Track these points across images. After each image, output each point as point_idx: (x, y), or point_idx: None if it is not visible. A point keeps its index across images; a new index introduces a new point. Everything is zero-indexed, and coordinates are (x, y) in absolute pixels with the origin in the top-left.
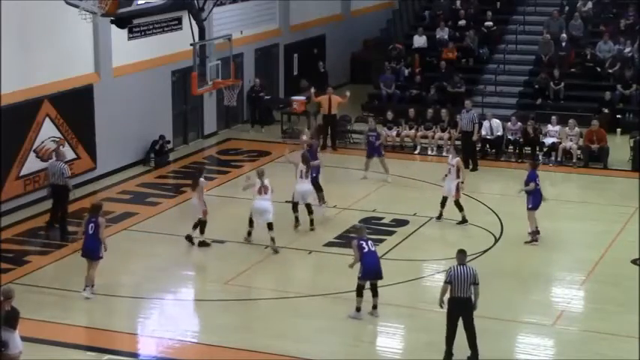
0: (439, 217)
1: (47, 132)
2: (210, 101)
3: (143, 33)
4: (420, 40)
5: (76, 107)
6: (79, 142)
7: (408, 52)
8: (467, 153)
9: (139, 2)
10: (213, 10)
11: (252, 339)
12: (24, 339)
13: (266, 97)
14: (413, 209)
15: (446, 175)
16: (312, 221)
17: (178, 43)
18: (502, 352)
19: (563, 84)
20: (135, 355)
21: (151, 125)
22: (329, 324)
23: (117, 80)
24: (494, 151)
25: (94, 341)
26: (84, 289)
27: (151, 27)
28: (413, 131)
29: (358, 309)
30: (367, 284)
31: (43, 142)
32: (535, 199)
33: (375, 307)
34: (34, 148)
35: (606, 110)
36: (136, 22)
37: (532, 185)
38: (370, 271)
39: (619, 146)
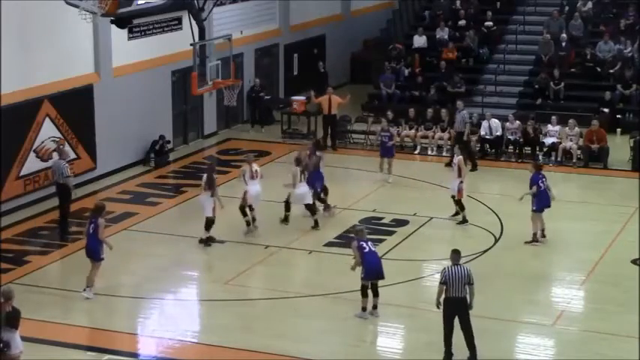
0: (456, 215)
1: (47, 132)
2: (210, 101)
3: (143, 33)
4: (420, 40)
5: (76, 107)
6: (79, 142)
7: (408, 52)
8: (464, 153)
9: (139, 2)
10: (213, 10)
11: (252, 339)
12: (24, 339)
13: (266, 97)
14: (413, 209)
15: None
16: (316, 222)
17: (178, 43)
18: (502, 352)
19: (563, 84)
20: (135, 355)
21: (151, 125)
22: (329, 324)
23: (117, 80)
24: (494, 151)
25: (94, 341)
26: (84, 290)
27: (151, 27)
28: (413, 131)
29: (364, 309)
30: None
31: (43, 142)
32: (540, 201)
33: (375, 306)
34: (34, 148)
35: (606, 110)
36: (136, 22)
37: (534, 189)
38: (373, 271)
39: (619, 146)
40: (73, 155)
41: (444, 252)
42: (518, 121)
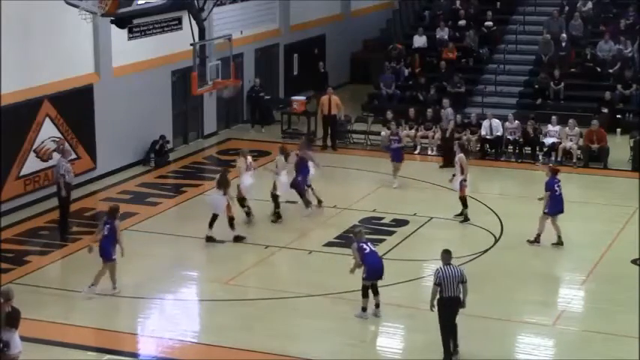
0: (461, 214)
1: (47, 132)
2: (210, 101)
3: (143, 33)
4: (420, 40)
5: (76, 107)
6: (79, 142)
7: (408, 52)
8: (446, 151)
9: (139, 2)
10: (213, 10)
11: (252, 339)
12: (24, 339)
13: (266, 97)
14: (413, 209)
15: (454, 175)
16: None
17: (178, 43)
18: (502, 352)
19: (563, 84)
20: (135, 355)
21: (150, 125)
22: (329, 324)
23: (117, 80)
24: (494, 151)
25: (94, 341)
26: (89, 287)
27: (151, 27)
28: (413, 131)
29: (364, 309)
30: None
31: (43, 142)
32: (554, 205)
33: (377, 305)
34: (34, 148)
35: (606, 110)
36: (136, 22)
37: (546, 195)
38: (375, 271)
39: (619, 146)
40: (72, 156)
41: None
42: (517, 121)
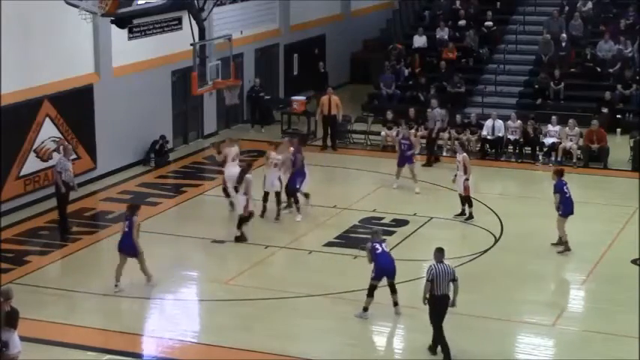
0: (461, 214)
1: (47, 132)
2: (210, 101)
3: (143, 33)
4: (420, 40)
5: (76, 107)
6: (79, 142)
7: (408, 52)
8: (430, 151)
9: (139, 2)
10: (213, 10)
11: (252, 339)
12: (24, 339)
13: (266, 97)
14: (413, 209)
15: (456, 175)
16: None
17: (178, 43)
18: (502, 352)
19: (563, 84)
20: (135, 355)
21: (150, 125)
22: (329, 324)
23: (117, 80)
24: (494, 151)
25: (94, 341)
26: (148, 281)
27: (151, 27)
28: (413, 131)
29: (365, 309)
30: (382, 283)
31: (43, 142)
32: (566, 206)
33: (396, 303)
34: (34, 148)
35: (606, 110)
36: (136, 22)
37: (557, 197)
38: (382, 271)
39: (619, 146)
40: (73, 155)
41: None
42: (520, 121)
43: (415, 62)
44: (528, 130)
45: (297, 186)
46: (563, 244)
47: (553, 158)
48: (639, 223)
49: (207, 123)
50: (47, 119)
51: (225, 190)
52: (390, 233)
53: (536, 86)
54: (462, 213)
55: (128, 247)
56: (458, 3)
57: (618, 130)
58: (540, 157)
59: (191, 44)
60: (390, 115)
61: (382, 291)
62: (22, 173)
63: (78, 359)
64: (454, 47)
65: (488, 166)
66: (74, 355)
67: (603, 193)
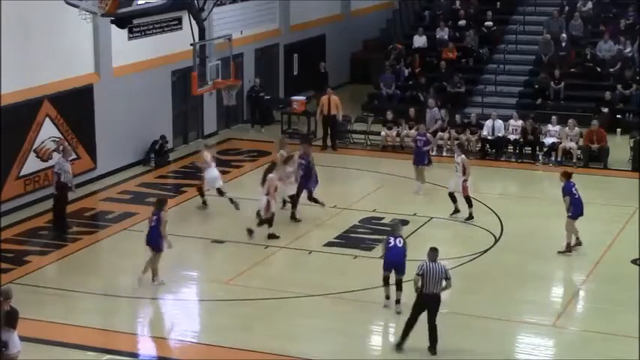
0: (455, 213)
1: (47, 132)
2: (210, 101)
3: (143, 33)
4: (420, 40)
5: (76, 107)
6: (79, 142)
7: (408, 52)
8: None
9: (139, 2)
10: (213, 10)
11: (252, 339)
12: (24, 339)
13: (266, 97)
14: (413, 209)
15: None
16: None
17: (178, 43)
18: (502, 352)
19: (563, 84)
20: (135, 355)
21: (151, 125)
22: (329, 324)
23: (117, 80)
24: (494, 151)
25: (94, 341)
26: (153, 280)
27: (151, 27)
28: (413, 131)
29: (387, 297)
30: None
31: (43, 142)
32: (575, 208)
33: (398, 301)
34: (34, 148)
35: (606, 110)
36: (136, 22)
37: (566, 200)
38: (388, 263)
39: (619, 146)
40: (72, 156)
41: (444, 252)
42: (521, 120)
43: (415, 62)
44: (527, 129)
45: (312, 189)
46: (567, 245)
47: (553, 158)
48: (639, 223)
49: (207, 123)
50: (47, 119)
51: (200, 189)
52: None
53: (537, 86)
54: (456, 211)
55: (152, 242)
56: (458, 3)
57: (618, 130)
58: (540, 157)
59: (191, 44)
60: (390, 115)
61: (383, 291)
62: (22, 173)
63: (78, 359)
64: (454, 47)
65: (488, 166)
66: (74, 355)
67: (603, 193)
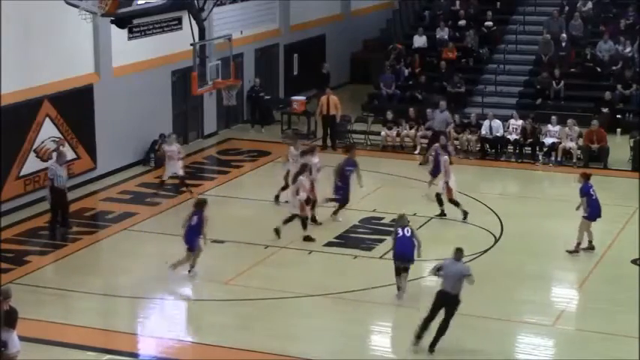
0: (441, 215)
1: (47, 132)
2: (210, 101)
3: (143, 33)
4: (420, 40)
5: (76, 107)
6: (79, 142)
7: (408, 52)
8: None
9: (139, 2)
10: (213, 10)
11: (252, 339)
12: (24, 339)
13: (266, 97)
14: (413, 209)
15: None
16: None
17: (178, 43)
18: (502, 352)
19: (563, 84)
20: (135, 355)
21: (151, 125)
22: (329, 324)
23: (117, 80)
24: (494, 151)
25: (94, 341)
26: (189, 271)
27: (151, 27)
28: (413, 131)
29: (398, 288)
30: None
31: (43, 142)
32: (592, 209)
33: (399, 288)
34: (34, 148)
35: (606, 110)
36: (136, 22)
37: (583, 201)
38: (397, 254)
39: (619, 146)
40: (72, 156)
41: (444, 252)
42: (522, 120)
43: (415, 62)
44: (527, 128)
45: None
46: (577, 245)
47: (553, 158)
48: (639, 223)
49: (207, 123)
50: (47, 119)
51: (163, 182)
52: (390, 233)
53: (538, 87)
54: (442, 214)
55: (189, 241)
56: (458, 3)
57: (618, 130)
58: (540, 157)
59: (191, 44)
60: (390, 115)
61: (382, 291)
62: (22, 173)
63: (78, 359)
64: (454, 47)
65: (488, 166)
66: (74, 355)
67: (603, 193)
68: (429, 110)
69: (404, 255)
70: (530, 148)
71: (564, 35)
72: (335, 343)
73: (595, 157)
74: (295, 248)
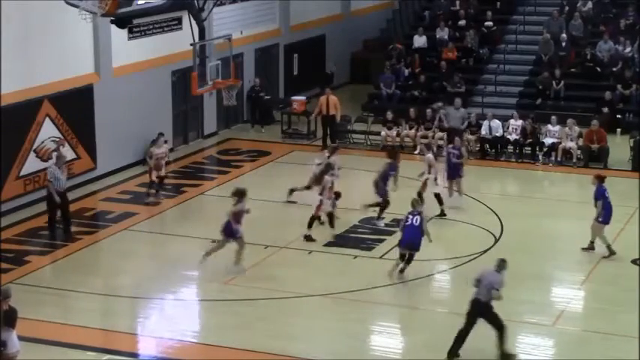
0: (442, 215)
1: (47, 132)
2: (210, 101)
3: (143, 33)
4: (420, 40)
5: (76, 107)
6: (79, 142)
7: (408, 52)
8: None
9: (139, 2)
10: (213, 10)
11: (252, 339)
12: (24, 339)
13: (266, 97)
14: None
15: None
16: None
17: (178, 43)
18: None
19: (563, 83)
20: (135, 355)
21: (151, 125)
22: (329, 324)
23: (117, 80)
24: (493, 151)
25: (94, 341)
26: (235, 264)
27: (151, 27)
28: (413, 131)
29: (399, 268)
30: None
31: (43, 142)
32: (607, 211)
33: (401, 270)
34: (34, 148)
35: (606, 110)
36: (136, 22)
37: (600, 204)
38: (403, 241)
39: (619, 146)
40: (72, 156)
41: (444, 252)
42: (522, 120)
43: (415, 62)
44: (527, 128)
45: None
46: (590, 244)
47: (553, 158)
48: (639, 223)
49: (207, 123)
50: (47, 119)
51: (153, 182)
52: (390, 233)
53: (540, 87)
54: (442, 214)
55: (230, 232)
56: (458, 3)
57: (618, 130)
58: (540, 157)
59: (191, 44)
60: (390, 115)
61: (382, 291)
62: (22, 173)
63: (77, 359)
64: (454, 47)
65: (488, 166)
66: (74, 355)
67: None
68: (451, 109)
69: (409, 244)
70: (530, 148)
71: (564, 35)
72: (335, 343)
73: (595, 157)
74: (295, 248)
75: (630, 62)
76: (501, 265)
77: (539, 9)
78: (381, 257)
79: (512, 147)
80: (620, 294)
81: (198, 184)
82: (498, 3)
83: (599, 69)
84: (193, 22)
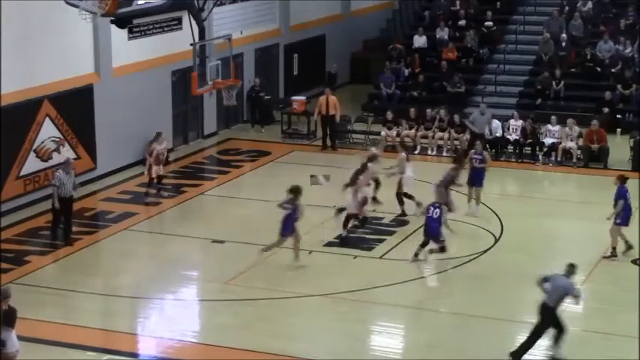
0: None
1: (47, 132)
2: (210, 101)
3: (143, 33)
4: (420, 40)
5: (76, 107)
6: (79, 142)
7: (408, 52)
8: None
9: (139, 2)
10: (213, 10)
11: (252, 339)
12: (24, 339)
13: (266, 97)
14: (413, 209)
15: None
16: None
17: (178, 43)
18: (502, 352)
19: (563, 83)
20: (135, 355)
21: (150, 125)
22: (329, 324)
23: (117, 80)
24: (493, 151)
25: (94, 341)
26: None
27: (151, 27)
28: (413, 131)
29: (417, 250)
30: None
31: (43, 142)
32: (625, 212)
33: (416, 255)
34: (34, 148)
35: (606, 110)
36: (136, 22)
37: (620, 204)
38: (425, 231)
39: (619, 146)
40: (72, 156)
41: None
42: (522, 120)
43: (415, 62)
44: (527, 128)
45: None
46: (613, 250)
47: (553, 158)
48: (639, 223)
49: (207, 123)
50: (47, 119)
51: (152, 180)
52: (391, 233)
53: (539, 87)
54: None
55: (287, 228)
56: (458, 3)
57: (618, 130)
58: (540, 157)
59: (191, 44)
60: (390, 115)
61: (382, 291)
62: (22, 173)
63: (77, 359)
64: (454, 47)
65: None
66: (74, 355)
67: (603, 193)
68: (475, 113)
69: (428, 232)
70: (530, 148)
71: (564, 35)
72: (335, 343)
73: (595, 157)
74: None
75: (630, 62)
76: (570, 269)
77: (539, 9)
78: (381, 257)
79: (512, 147)
80: (620, 294)
81: (198, 184)
82: (498, 3)
83: (599, 69)
84: (193, 22)
